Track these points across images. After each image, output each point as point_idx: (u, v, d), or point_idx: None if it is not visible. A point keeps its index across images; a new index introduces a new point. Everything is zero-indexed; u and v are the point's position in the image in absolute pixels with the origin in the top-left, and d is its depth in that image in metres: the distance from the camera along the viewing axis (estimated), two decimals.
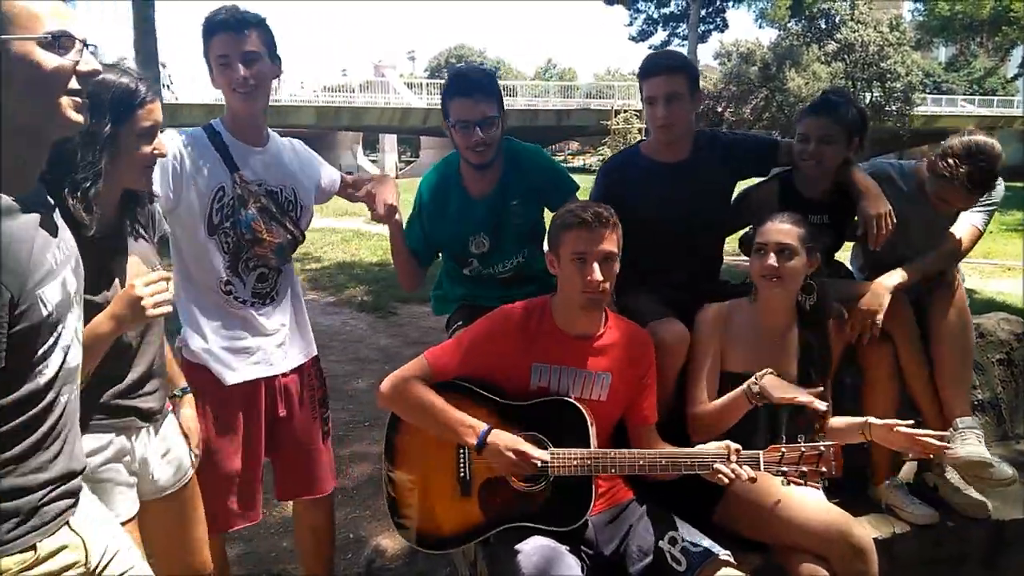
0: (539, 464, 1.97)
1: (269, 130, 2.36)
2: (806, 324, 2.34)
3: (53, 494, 1.32)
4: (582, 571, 1.97)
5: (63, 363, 1.31)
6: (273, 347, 2.31)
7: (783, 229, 2.26)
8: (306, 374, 2.42)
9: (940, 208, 2.57)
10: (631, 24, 35.25)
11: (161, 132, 1.80)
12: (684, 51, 29.53)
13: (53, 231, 1.31)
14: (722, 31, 34.67)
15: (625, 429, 2.24)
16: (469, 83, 2.46)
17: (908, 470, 2.72)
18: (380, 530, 3.26)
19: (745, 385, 2.17)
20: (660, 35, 35.20)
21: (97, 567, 1.43)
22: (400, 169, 43.63)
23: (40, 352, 1.25)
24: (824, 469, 1.97)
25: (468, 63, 32.76)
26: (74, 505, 1.39)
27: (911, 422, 2.12)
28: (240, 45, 2.14)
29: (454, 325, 2.65)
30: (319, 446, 2.45)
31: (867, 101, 31.23)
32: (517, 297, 2.27)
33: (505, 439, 1.99)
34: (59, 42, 1.21)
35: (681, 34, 34.40)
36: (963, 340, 2.57)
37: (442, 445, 2.14)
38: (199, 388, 2.18)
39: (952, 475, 2.57)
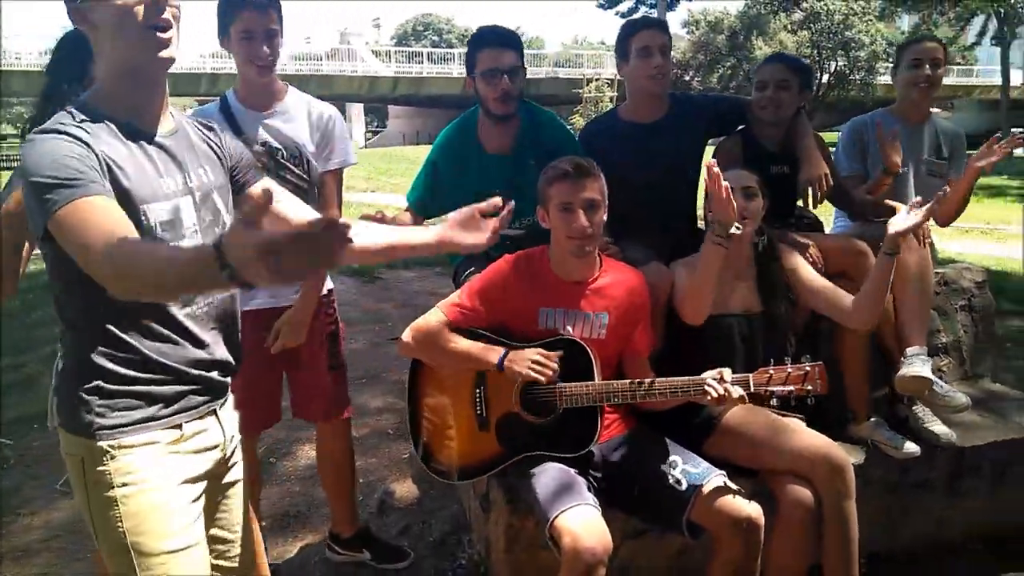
0: (555, 366, 2.14)
1: (292, 92, 2.53)
2: (761, 261, 2.53)
3: (197, 384, 1.50)
4: (591, 492, 2.17)
5: None
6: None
7: (744, 174, 2.45)
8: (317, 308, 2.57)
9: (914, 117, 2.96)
10: None
11: None
12: None
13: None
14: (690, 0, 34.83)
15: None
16: (498, 34, 2.65)
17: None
18: (388, 475, 3.45)
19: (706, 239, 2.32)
20: (628, 2, 35.26)
21: (231, 456, 1.63)
22: (368, 139, 43.23)
23: None
24: (810, 387, 2.15)
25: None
26: (221, 395, 1.58)
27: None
28: (264, 23, 2.32)
29: (464, 273, 2.74)
30: (324, 376, 2.64)
31: (832, 70, 31.71)
32: None
33: (520, 353, 2.19)
34: None
35: (649, 2, 34.47)
36: (921, 282, 2.75)
37: (459, 386, 2.32)
38: None
39: (920, 408, 2.81)
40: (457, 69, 31.45)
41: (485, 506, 2.57)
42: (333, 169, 2.58)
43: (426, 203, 2.83)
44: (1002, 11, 29.47)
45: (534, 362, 2.15)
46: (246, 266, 1.00)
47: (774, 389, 2.15)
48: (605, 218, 2.25)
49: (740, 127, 2.98)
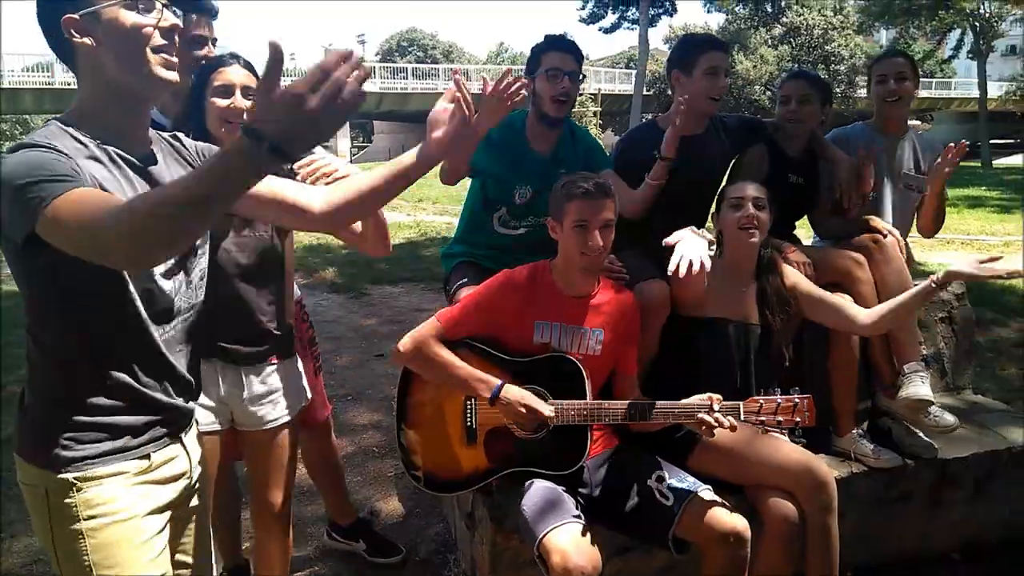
0: (545, 418, 2.17)
1: None
2: (762, 274, 2.58)
3: (165, 412, 1.47)
4: (578, 510, 2.17)
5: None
6: None
7: (754, 185, 2.51)
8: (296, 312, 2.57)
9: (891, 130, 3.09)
10: (583, 8, 35.49)
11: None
12: (635, 35, 29.85)
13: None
14: (671, 15, 35.14)
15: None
16: (565, 41, 2.83)
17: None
18: (373, 493, 3.43)
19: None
20: (610, 18, 35.55)
21: (195, 483, 1.60)
22: (353, 155, 43.22)
23: (129, 288, 1.37)
24: (798, 419, 2.17)
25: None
26: (187, 422, 1.56)
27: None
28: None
29: (457, 283, 2.79)
30: (312, 379, 2.63)
31: None
32: (513, 265, 2.43)
33: (515, 394, 2.18)
34: (140, 2, 1.33)
35: (631, 17, 34.74)
36: (902, 292, 2.78)
37: (450, 397, 2.32)
38: None
39: (903, 422, 2.84)
40: (442, 84, 31.55)
41: (470, 524, 2.57)
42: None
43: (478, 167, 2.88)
44: (977, 25, 30.02)
45: (526, 409, 2.16)
46: (273, 126, 1.01)
47: (764, 419, 2.16)
48: (613, 236, 2.28)
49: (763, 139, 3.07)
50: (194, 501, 1.62)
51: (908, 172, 3.16)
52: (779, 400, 2.18)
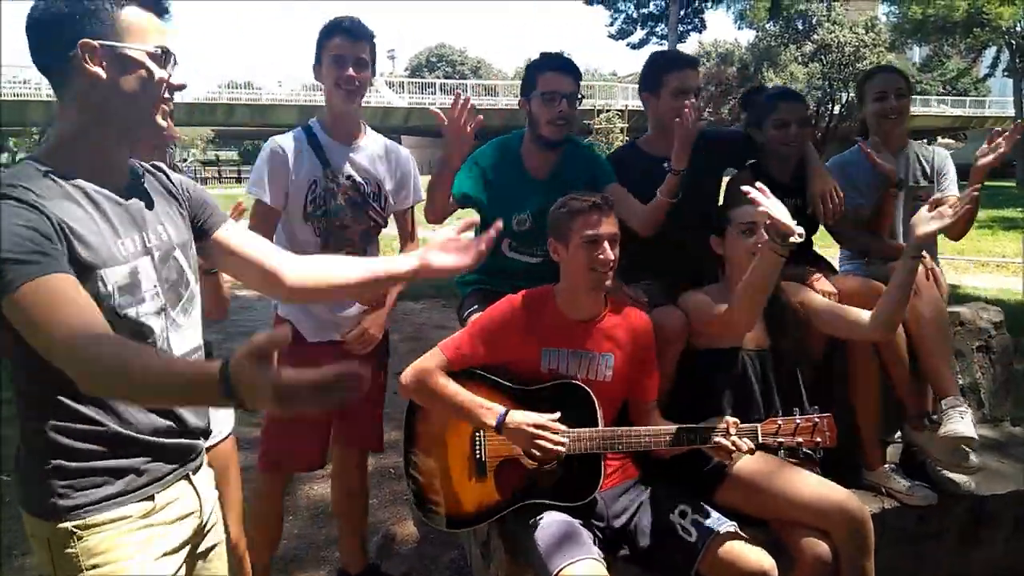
0: (558, 437, 2.08)
1: (368, 130, 2.60)
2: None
3: (166, 451, 1.42)
4: (594, 543, 2.09)
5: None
6: (347, 319, 2.56)
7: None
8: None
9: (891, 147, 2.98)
10: (612, 24, 35.58)
11: None
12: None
13: (135, 221, 1.39)
14: (700, 31, 35.22)
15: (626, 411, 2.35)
16: (562, 60, 2.70)
17: (892, 452, 2.86)
18: (388, 518, 3.37)
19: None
20: (639, 34, 35.59)
21: (207, 522, 1.54)
22: None
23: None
24: (819, 440, 2.09)
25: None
26: (193, 459, 1.50)
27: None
28: (356, 50, 2.43)
29: (468, 310, 2.71)
30: (380, 405, 2.73)
31: (843, 101, 31.74)
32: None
33: (521, 417, 2.10)
34: (164, 56, 1.35)
35: (660, 33, 34.76)
36: (939, 324, 2.65)
37: (458, 430, 2.25)
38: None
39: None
40: (471, 100, 31.71)
41: (485, 554, 2.50)
42: (409, 206, 2.69)
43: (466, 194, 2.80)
44: (1014, 43, 29.54)
45: (536, 427, 2.08)
46: (255, 399, 1.05)
47: (782, 440, 2.08)
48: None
49: (750, 161, 2.94)
50: (209, 540, 1.56)
51: (914, 184, 3.04)
52: (798, 420, 2.11)
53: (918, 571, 2.66)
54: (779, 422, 2.09)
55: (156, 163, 1.55)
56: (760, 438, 2.09)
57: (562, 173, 2.73)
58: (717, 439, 2.05)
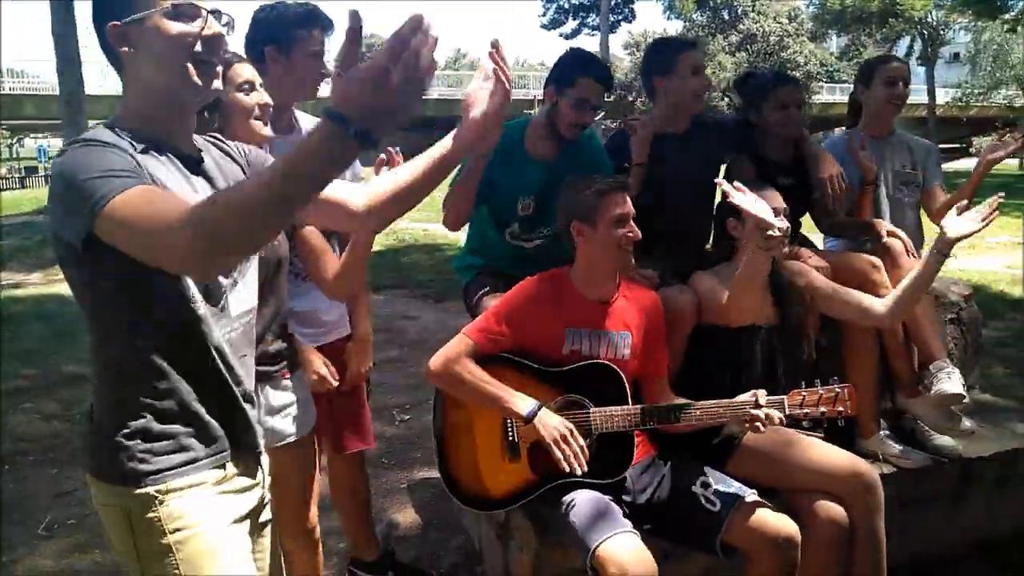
0: (579, 464, 2.09)
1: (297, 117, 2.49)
2: (772, 275, 2.48)
3: (236, 420, 1.43)
4: (625, 518, 2.12)
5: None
6: (332, 319, 2.50)
7: (777, 195, 2.44)
8: None
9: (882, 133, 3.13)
10: (544, 14, 35.72)
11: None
12: (595, 40, 30.09)
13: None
14: (630, 22, 35.62)
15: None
16: (604, 70, 2.69)
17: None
18: (391, 506, 3.36)
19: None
20: (571, 24, 35.84)
21: (265, 494, 1.55)
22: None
23: (191, 294, 1.32)
24: (840, 409, 2.17)
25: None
26: (254, 431, 1.50)
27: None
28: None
29: (478, 293, 2.71)
30: (365, 402, 2.65)
31: None
32: (535, 272, 2.38)
33: (554, 421, 2.12)
34: (183, 10, 1.30)
35: (591, 24, 35.08)
36: (925, 295, 2.76)
37: (489, 413, 2.25)
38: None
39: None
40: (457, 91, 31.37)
41: (501, 534, 2.51)
42: None
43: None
44: (925, 33, 30.96)
45: (561, 438, 2.10)
46: (369, 112, 0.95)
47: (807, 410, 2.16)
48: None
49: (745, 146, 3.02)
50: (265, 514, 1.58)
51: (900, 171, 3.18)
52: (820, 391, 2.18)
53: (913, 532, 2.80)
54: (803, 393, 2.17)
55: (214, 133, 1.55)
56: (787, 409, 2.16)
57: (565, 159, 2.75)
58: (751, 411, 2.11)
